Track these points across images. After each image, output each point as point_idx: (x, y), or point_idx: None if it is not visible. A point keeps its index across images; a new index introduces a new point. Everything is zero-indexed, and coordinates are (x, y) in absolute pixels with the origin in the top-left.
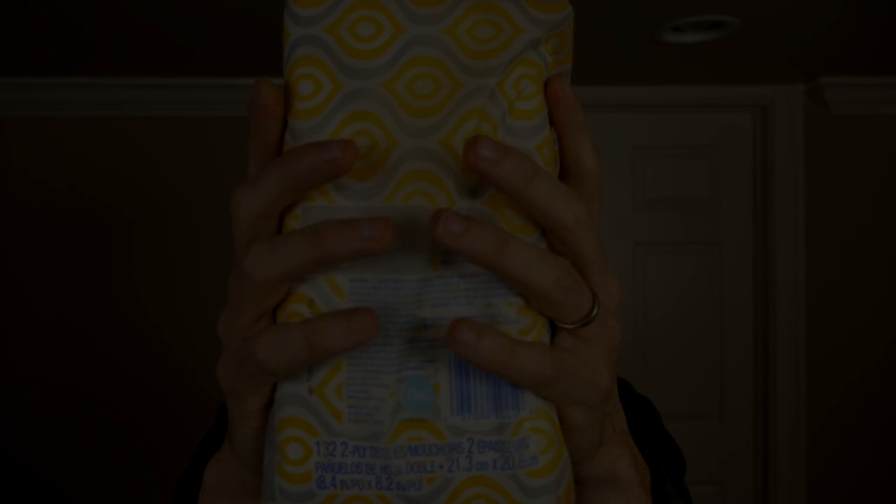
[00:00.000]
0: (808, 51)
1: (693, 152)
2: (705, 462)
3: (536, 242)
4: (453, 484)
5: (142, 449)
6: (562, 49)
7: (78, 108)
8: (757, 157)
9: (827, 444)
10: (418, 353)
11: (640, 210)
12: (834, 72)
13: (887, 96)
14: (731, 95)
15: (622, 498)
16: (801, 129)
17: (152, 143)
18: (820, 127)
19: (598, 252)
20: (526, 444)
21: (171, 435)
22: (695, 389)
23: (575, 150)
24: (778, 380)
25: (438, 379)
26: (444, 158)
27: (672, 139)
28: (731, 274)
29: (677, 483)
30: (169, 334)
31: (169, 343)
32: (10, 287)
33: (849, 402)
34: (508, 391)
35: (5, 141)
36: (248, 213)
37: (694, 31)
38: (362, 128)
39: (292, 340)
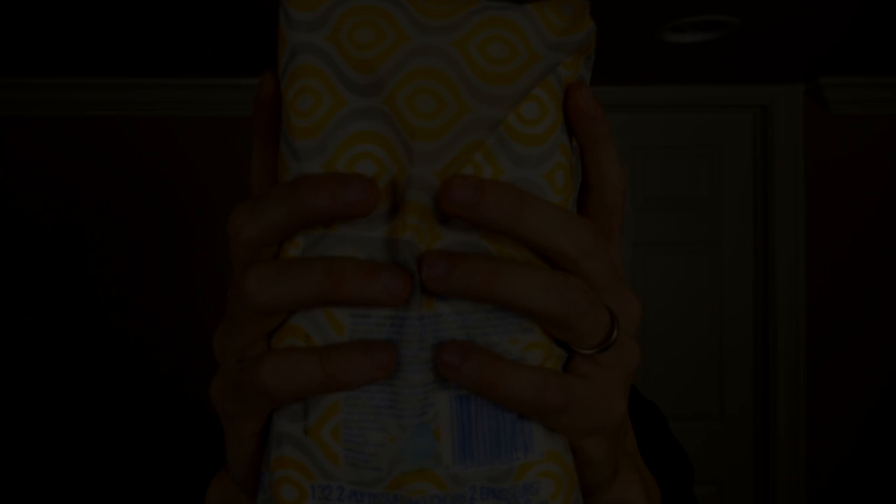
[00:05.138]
0: (808, 51)
1: (693, 152)
2: (705, 462)
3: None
4: None
5: (142, 451)
6: (579, 61)
7: (79, 108)
8: (757, 157)
9: (827, 444)
10: (420, 396)
11: (640, 210)
12: (834, 72)
13: (887, 96)
14: (731, 95)
15: None
16: (801, 129)
17: (153, 143)
18: (820, 127)
19: (610, 275)
20: (535, 490)
21: (170, 436)
22: (695, 389)
23: (597, 164)
24: (778, 380)
25: (439, 423)
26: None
27: (672, 139)
28: (731, 274)
29: (685, 492)
30: (171, 335)
31: (172, 343)
32: (10, 287)
33: (849, 401)
34: (516, 433)
35: (6, 141)
36: (250, 240)
37: (694, 31)
38: (365, 150)
39: (305, 368)
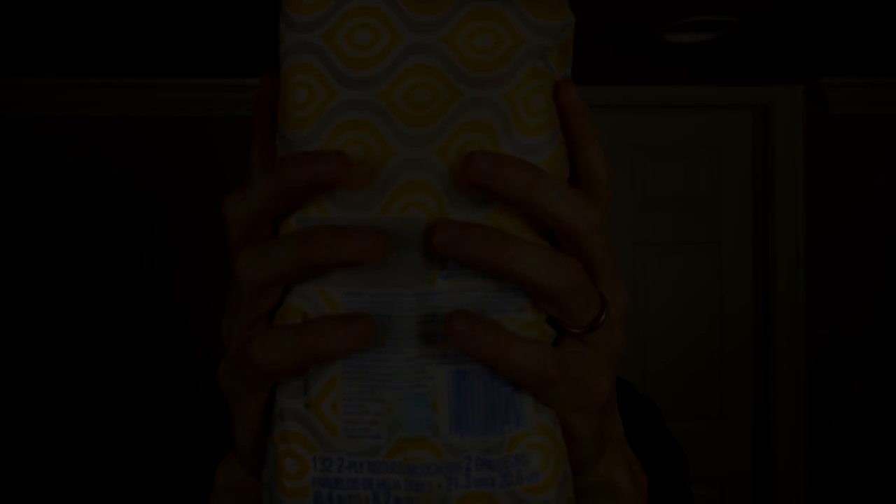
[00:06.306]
0: (808, 51)
1: (693, 152)
2: (705, 462)
3: None
4: (451, 501)
5: (151, 439)
6: (565, 59)
7: (79, 108)
8: (757, 157)
9: (827, 444)
10: (417, 369)
11: (640, 210)
12: (834, 72)
13: (887, 96)
14: (731, 95)
15: None
16: (801, 129)
17: (153, 143)
18: (820, 127)
19: (609, 255)
20: (526, 461)
21: (179, 424)
22: (695, 389)
23: (585, 158)
24: (778, 380)
25: (437, 396)
26: (440, 169)
27: (672, 139)
28: (731, 274)
29: (680, 486)
30: (175, 333)
31: (177, 342)
32: (11, 286)
33: (849, 401)
34: (508, 407)
35: (6, 141)
36: (240, 221)
37: (694, 31)
38: (356, 136)
39: (286, 343)
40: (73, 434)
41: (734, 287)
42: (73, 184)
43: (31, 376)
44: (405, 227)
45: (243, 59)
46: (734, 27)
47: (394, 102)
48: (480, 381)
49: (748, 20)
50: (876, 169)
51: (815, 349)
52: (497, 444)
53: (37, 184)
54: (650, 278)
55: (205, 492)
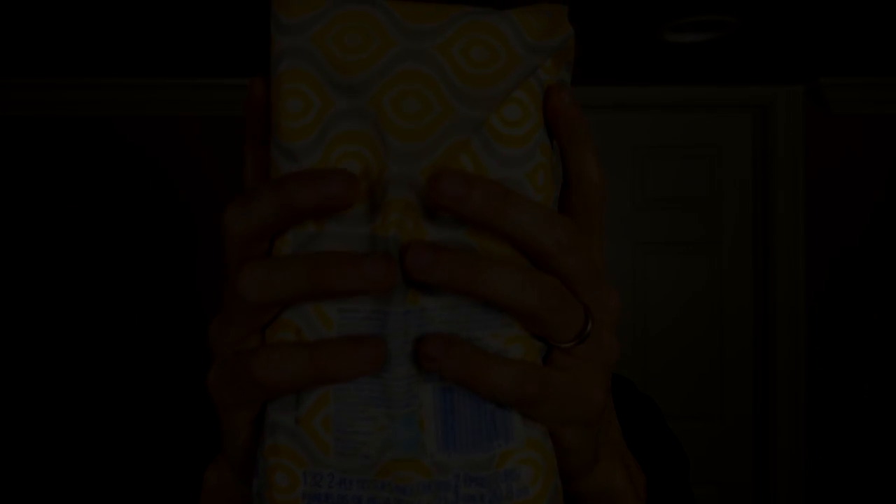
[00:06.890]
0: (808, 51)
1: (693, 152)
2: (705, 462)
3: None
4: None
5: (140, 440)
6: (560, 65)
7: (79, 108)
8: (757, 157)
9: (827, 445)
10: (406, 389)
11: (640, 210)
12: (834, 72)
13: (887, 96)
14: (731, 95)
15: None
16: (801, 129)
17: (153, 143)
18: (820, 127)
19: (588, 270)
20: (515, 476)
21: (167, 425)
22: (695, 389)
23: (578, 162)
24: (778, 380)
25: (423, 414)
26: (425, 188)
27: (672, 139)
28: (731, 274)
29: (680, 483)
30: (168, 332)
31: (169, 341)
32: (11, 287)
33: (849, 401)
34: (497, 423)
35: (7, 141)
36: (240, 235)
37: (694, 31)
38: (352, 149)
39: (296, 362)
40: (65, 431)
41: (734, 287)
42: (72, 184)
43: (30, 374)
44: (391, 246)
45: (243, 59)
46: (734, 27)
47: (384, 110)
48: (467, 399)
49: (748, 20)
50: (876, 169)
51: (816, 349)
52: (486, 460)
53: (35, 184)
54: (650, 278)
55: (195, 492)
